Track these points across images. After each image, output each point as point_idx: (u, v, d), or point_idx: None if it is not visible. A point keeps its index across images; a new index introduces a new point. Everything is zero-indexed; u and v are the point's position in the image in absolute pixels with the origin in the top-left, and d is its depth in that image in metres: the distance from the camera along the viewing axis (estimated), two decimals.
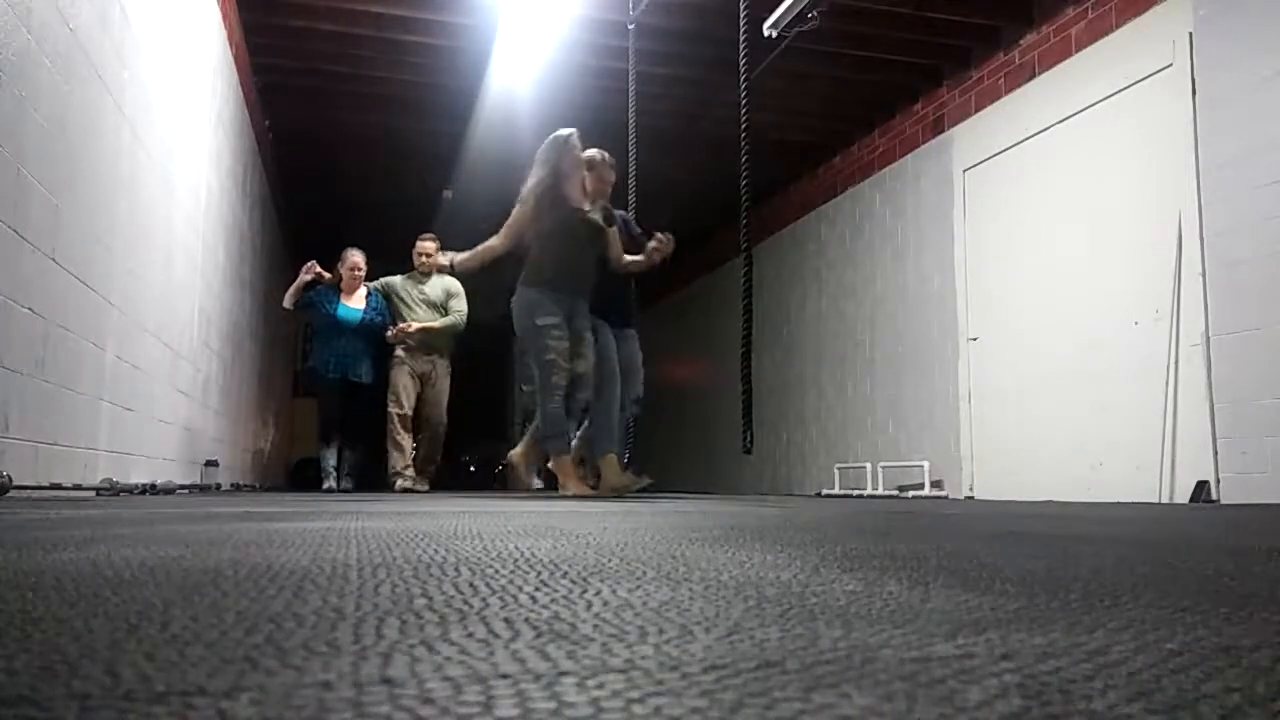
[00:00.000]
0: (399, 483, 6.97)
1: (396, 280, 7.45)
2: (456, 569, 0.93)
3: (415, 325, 7.17)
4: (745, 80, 5.10)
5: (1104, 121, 5.92)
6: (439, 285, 7.42)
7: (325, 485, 7.07)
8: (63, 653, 0.49)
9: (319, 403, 7.49)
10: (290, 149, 9.22)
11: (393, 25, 6.81)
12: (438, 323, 7.28)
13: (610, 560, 1.05)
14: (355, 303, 7.24)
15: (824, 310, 9.24)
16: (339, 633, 0.56)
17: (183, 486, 5.14)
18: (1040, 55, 6.52)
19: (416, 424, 7.27)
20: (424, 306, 7.33)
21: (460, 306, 7.44)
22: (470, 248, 5.50)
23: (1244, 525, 2.24)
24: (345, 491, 6.84)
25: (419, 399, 7.22)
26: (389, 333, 7.14)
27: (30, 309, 3.04)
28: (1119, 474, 5.14)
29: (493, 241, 5.29)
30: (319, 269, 7.11)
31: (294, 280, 7.19)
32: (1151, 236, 5.41)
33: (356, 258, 7.36)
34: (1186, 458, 5.16)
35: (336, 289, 7.20)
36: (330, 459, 7.14)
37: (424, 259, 7.44)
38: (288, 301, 7.19)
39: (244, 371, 8.31)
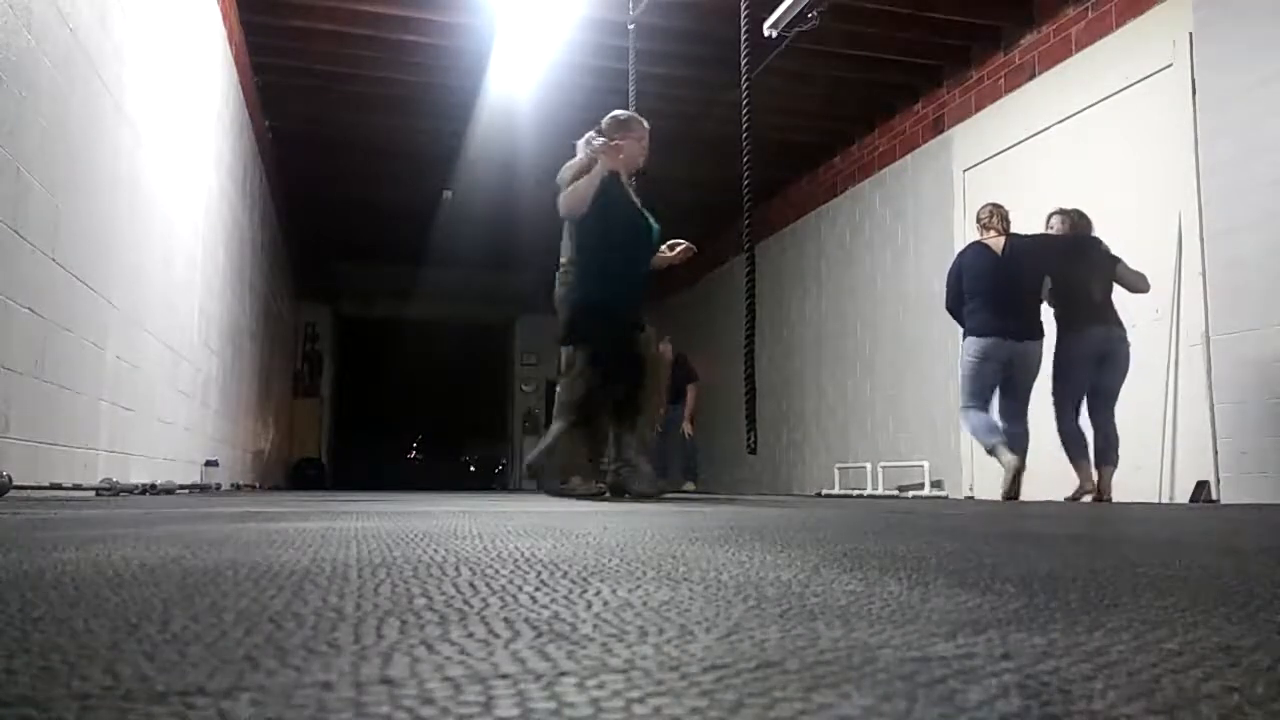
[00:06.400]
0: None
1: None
2: (456, 569, 0.93)
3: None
4: (745, 80, 5.10)
5: (1104, 121, 5.92)
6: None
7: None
8: (63, 653, 0.49)
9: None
10: (290, 149, 9.22)
11: (393, 25, 6.81)
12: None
13: (610, 560, 1.05)
14: None
15: (824, 310, 9.24)
16: (339, 633, 0.56)
17: (183, 486, 5.14)
18: (1040, 55, 6.52)
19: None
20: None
21: None
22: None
23: (1244, 525, 2.24)
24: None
25: None
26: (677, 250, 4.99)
27: (30, 309, 3.04)
28: (1119, 474, 5.13)
29: None
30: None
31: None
32: (1151, 236, 5.40)
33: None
34: (1186, 458, 5.16)
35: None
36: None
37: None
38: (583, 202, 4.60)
39: (244, 371, 8.31)
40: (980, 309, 5.41)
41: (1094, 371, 5.15)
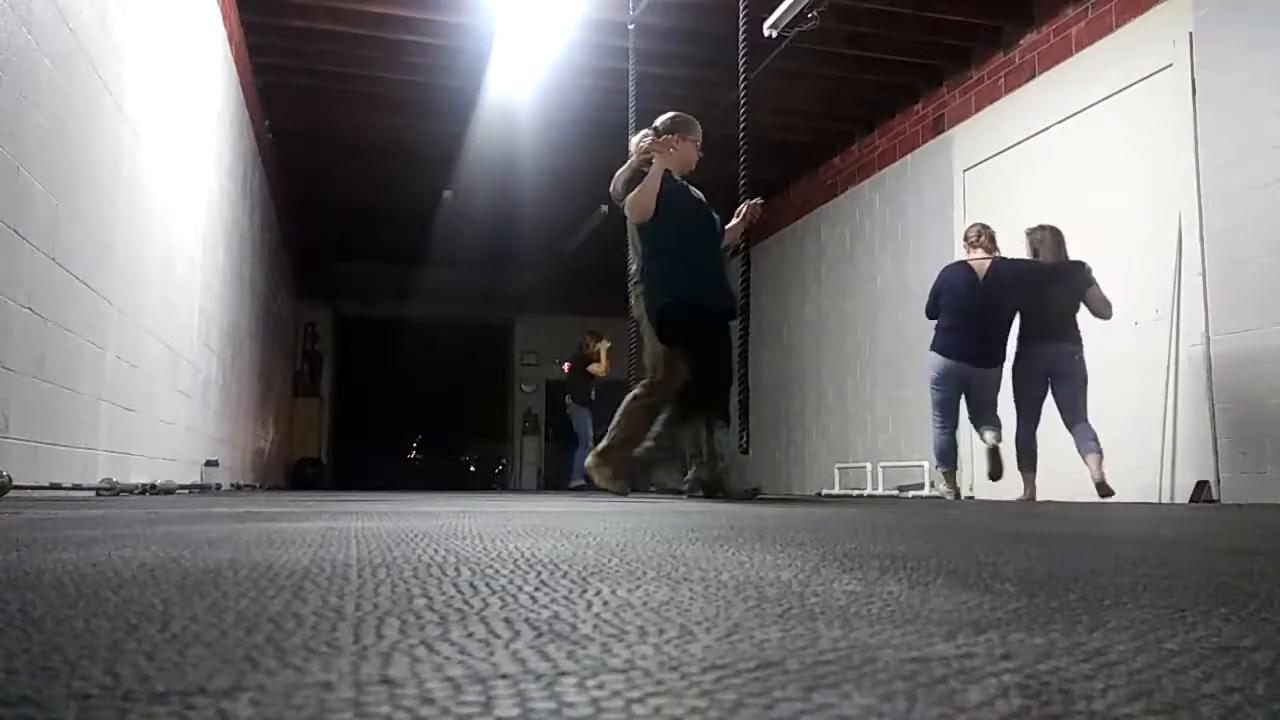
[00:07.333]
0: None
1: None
2: (456, 569, 0.93)
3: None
4: (745, 80, 5.10)
5: (1104, 121, 5.92)
6: None
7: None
8: (63, 653, 0.49)
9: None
10: (290, 149, 9.22)
11: (393, 25, 6.81)
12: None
13: (610, 560, 1.05)
14: None
15: (824, 310, 9.23)
16: (339, 633, 0.56)
17: (183, 486, 5.14)
18: (1040, 55, 6.52)
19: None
20: None
21: None
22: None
23: (1244, 525, 2.23)
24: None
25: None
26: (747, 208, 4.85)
27: (30, 309, 3.04)
28: (1119, 474, 5.14)
29: None
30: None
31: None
32: (1151, 236, 5.41)
33: None
34: (1186, 458, 5.16)
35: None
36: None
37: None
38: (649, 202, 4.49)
39: (244, 371, 8.31)
40: (950, 329, 5.57)
41: (1052, 386, 5.30)
